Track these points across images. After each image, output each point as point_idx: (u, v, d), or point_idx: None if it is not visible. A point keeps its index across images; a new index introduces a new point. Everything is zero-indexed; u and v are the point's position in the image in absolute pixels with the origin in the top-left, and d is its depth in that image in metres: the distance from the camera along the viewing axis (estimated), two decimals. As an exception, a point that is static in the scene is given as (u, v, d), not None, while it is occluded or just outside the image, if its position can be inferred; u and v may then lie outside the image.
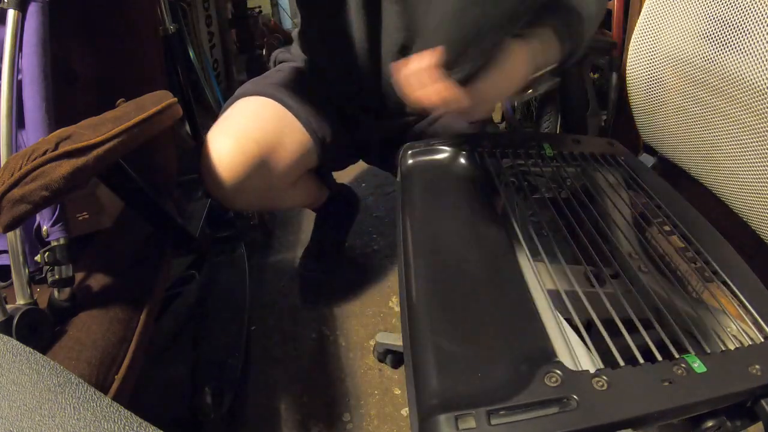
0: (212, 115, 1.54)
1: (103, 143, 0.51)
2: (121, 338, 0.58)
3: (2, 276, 0.62)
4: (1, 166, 0.50)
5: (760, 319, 0.45)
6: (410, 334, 0.46)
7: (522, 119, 1.60)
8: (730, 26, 0.55)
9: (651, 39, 0.68)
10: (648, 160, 0.76)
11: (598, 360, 0.42)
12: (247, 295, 1.13)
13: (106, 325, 0.58)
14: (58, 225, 0.58)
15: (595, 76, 1.59)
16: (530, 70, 0.59)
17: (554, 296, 0.47)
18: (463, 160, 0.67)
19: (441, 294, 0.48)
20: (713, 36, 0.57)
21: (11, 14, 0.59)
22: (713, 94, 0.58)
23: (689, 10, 0.62)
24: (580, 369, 0.39)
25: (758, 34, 0.52)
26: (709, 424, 0.40)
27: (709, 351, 0.42)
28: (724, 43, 0.56)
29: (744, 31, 0.53)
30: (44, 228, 0.57)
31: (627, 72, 0.73)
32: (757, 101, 0.52)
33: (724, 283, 0.49)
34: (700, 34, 0.60)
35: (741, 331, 0.45)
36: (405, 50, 0.77)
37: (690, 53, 0.61)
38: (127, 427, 0.30)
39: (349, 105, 0.88)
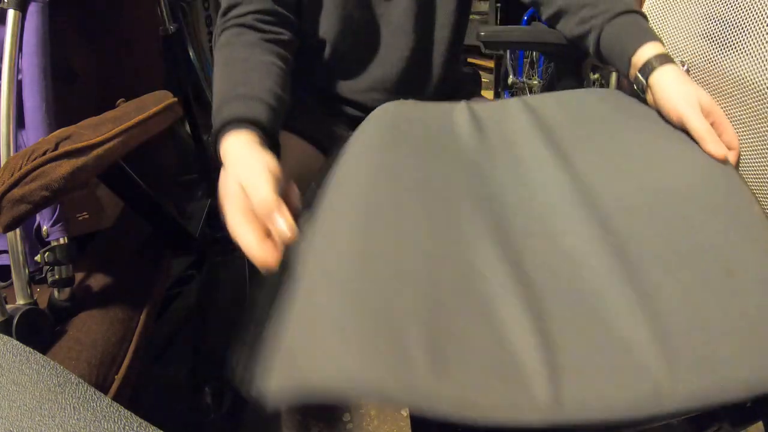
0: (212, 115, 1.54)
1: (103, 143, 0.51)
2: (121, 338, 0.58)
3: (2, 276, 0.62)
4: (1, 166, 0.50)
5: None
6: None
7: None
8: (730, 26, 0.55)
9: None
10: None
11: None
12: (248, 295, 1.13)
13: (106, 325, 0.58)
14: (58, 225, 0.58)
15: (595, 76, 1.59)
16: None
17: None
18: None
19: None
20: (714, 36, 0.57)
21: (11, 14, 0.59)
22: (714, 95, 0.58)
23: (689, 10, 0.62)
24: None
25: (759, 34, 0.52)
26: (714, 428, 0.39)
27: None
28: (724, 43, 0.56)
29: (745, 32, 0.53)
30: (44, 228, 0.57)
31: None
32: (758, 102, 0.52)
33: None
34: (701, 34, 0.60)
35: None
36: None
37: (690, 53, 0.61)
38: (127, 427, 0.30)
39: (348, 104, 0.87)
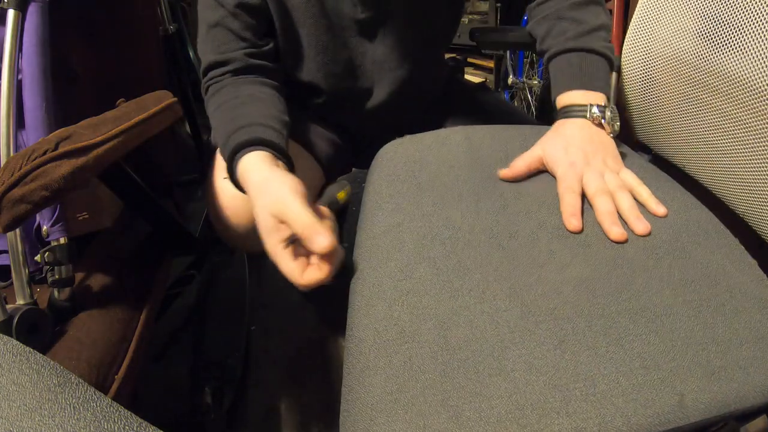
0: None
1: (103, 143, 0.51)
2: (121, 338, 0.58)
3: (2, 276, 0.62)
4: (1, 166, 0.50)
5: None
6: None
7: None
8: (725, 24, 0.55)
9: (645, 37, 0.68)
10: (642, 158, 0.76)
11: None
12: (247, 295, 1.14)
13: (106, 325, 0.58)
14: (58, 225, 0.58)
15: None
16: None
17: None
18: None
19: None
20: (708, 34, 0.57)
21: (11, 14, 0.59)
22: (709, 92, 0.58)
23: (684, 8, 0.62)
24: None
25: (754, 31, 0.52)
26: (720, 424, 0.40)
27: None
28: (719, 41, 0.56)
29: (739, 29, 0.53)
30: (44, 228, 0.57)
31: (622, 70, 0.73)
32: (753, 99, 0.52)
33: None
34: (695, 32, 0.60)
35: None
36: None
37: (685, 51, 0.61)
38: (127, 427, 0.30)
39: (342, 115, 0.87)
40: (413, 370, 0.40)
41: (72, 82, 0.78)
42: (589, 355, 0.40)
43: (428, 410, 0.37)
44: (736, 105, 0.55)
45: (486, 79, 2.23)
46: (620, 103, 0.76)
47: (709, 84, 0.58)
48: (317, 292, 0.69)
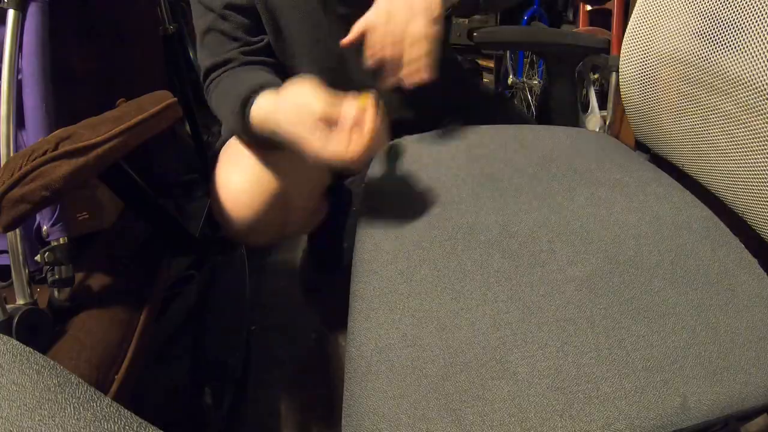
0: (212, 115, 1.54)
1: (103, 143, 0.51)
2: (121, 338, 0.58)
3: (2, 276, 0.62)
4: (1, 166, 0.50)
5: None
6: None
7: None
8: (723, 23, 0.55)
9: (644, 37, 0.68)
10: (641, 157, 0.76)
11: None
12: (247, 295, 1.13)
13: (106, 326, 0.58)
14: (58, 225, 0.58)
15: (595, 76, 1.59)
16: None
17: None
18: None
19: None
20: (707, 33, 0.57)
21: (11, 14, 0.59)
22: (708, 92, 0.58)
23: (682, 7, 0.62)
24: None
25: (752, 30, 0.52)
26: (722, 423, 0.40)
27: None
28: (718, 40, 0.56)
29: (738, 28, 0.53)
30: (44, 228, 0.57)
31: (620, 70, 0.73)
32: (752, 98, 0.52)
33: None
34: (694, 31, 0.60)
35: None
36: None
37: (684, 51, 0.61)
38: (127, 427, 0.30)
39: None
40: (415, 374, 0.40)
41: (72, 82, 0.78)
42: (592, 357, 0.40)
43: (431, 414, 0.37)
44: (734, 104, 0.55)
45: (486, 79, 2.23)
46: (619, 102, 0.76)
47: (708, 83, 0.58)
48: (318, 291, 0.69)
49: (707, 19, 0.57)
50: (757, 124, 0.52)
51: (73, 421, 0.29)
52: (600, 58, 1.36)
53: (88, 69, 0.80)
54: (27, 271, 0.56)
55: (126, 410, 0.31)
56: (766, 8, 0.50)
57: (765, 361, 0.40)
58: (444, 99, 0.91)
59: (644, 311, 0.44)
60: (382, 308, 0.46)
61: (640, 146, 0.76)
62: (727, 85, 0.55)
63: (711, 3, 0.57)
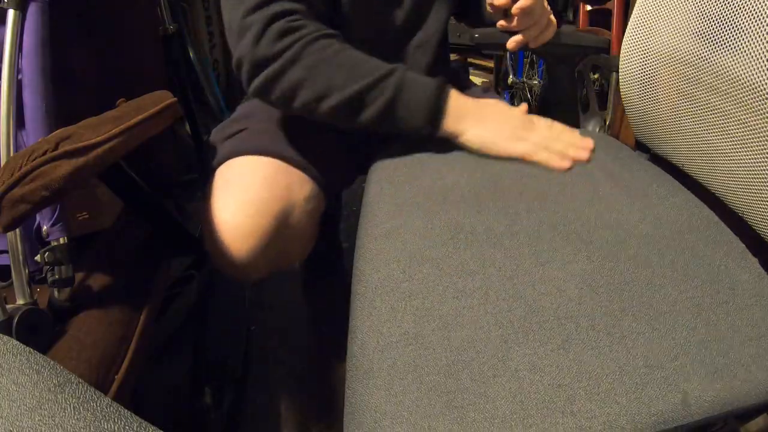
0: (212, 115, 1.54)
1: (103, 143, 0.51)
2: (121, 338, 0.58)
3: (2, 276, 0.62)
4: (1, 166, 0.50)
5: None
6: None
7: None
8: (722, 23, 0.55)
9: (644, 37, 0.68)
10: (642, 157, 0.76)
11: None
12: (247, 295, 1.14)
13: (106, 325, 0.58)
14: (58, 225, 0.58)
15: (595, 76, 1.59)
16: None
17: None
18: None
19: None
20: (706, 33, 0.57)
21: (11, 14, 0.59)
22: (707, 92, 0.58)
23: (682, 7, 0.62)
24: None
25: (751, 30, 0.52)
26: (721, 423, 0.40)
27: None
28: (717, 40, 0.56)
29: (737, 28, 0.53)
30: (44, 228, 0.57)
31: (620, 70, 0.73)
32: (752, 98, 0.52)
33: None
34: (694, 31, 0.60)
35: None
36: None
37: (683, 51, 0.61)
38: (127, 427, 0.30)
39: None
40: (417, 372, 0.40)
41: (72, 82, 0.78)
42: (593, 354, 0.40)
43: (433, 412, 0.37)
44: (734, 104, 0.55)
45: (486, 79, 2.23)
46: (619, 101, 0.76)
47: (707, 83, 0.58)
48: (317, 291, 0.69)
49: (707, 19, 0.58)
50: (757, 124, 0.52)
51: (73, 421, 0.29)
52: (600, 58, 1.36)
53: (88, 69, 0.80)
54: (27, 271, 0.56)
55: (126, 410, 0.31)
56: (765, 8, 0.50)
57: (765, 358, 0.40)
58: None
59: (645, 309, 0.44)
60: (383, 306, 0.46)
61: (640, 146, 0.77)
62: (726, 85, 0.55)
63: (710, 3, 0.57)
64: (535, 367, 0.40)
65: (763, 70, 0.50)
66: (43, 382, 0.32)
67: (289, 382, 0.99)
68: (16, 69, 0.59)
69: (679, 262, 0.49)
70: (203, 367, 0.95)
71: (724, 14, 0.55)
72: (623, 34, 0.72)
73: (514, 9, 0.71)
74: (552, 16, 0.77)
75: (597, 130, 1.37)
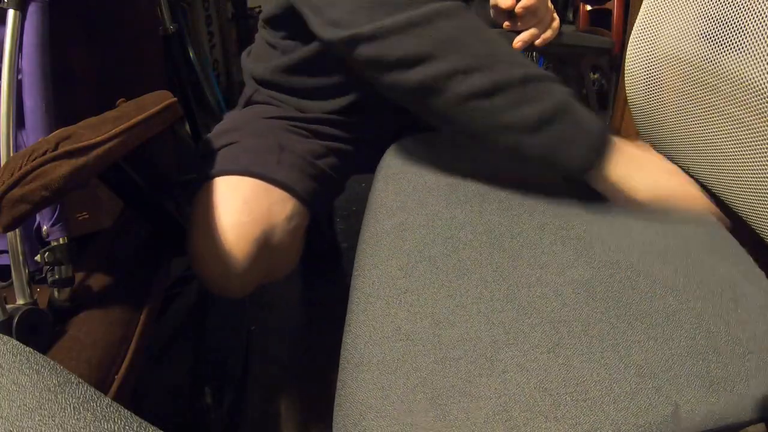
0: (212, 115, 1.54)
1: (103, 143, 0.51)
2: (121, 338, 0.58)
3: (2, 276, 0.62)
4: (1, 166, 0.50)
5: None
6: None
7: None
8: (728, 25, 0.55)
9: (649, 38, 0.68)
10: None
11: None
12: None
13: (106, 325, 0.58)
14: (58, 225, 0.58)
15: (595, 76, 1.59)
16: None
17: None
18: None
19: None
20: (712, 35, 0.57)
21: (11, 14, 0.59)
22: (712, 94, 0.58)
23: (687, 9, 0.62)
24: None
25: (757, 32, 0.52)
26: None
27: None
28: (722, 42, 0.56)
29: (742, 30, 0.53)
30: (44, 228, 0.57)
31: (626, 71, 0.73)
32: (756, 100, 0.52)
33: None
34: (699, 33, 0.60)
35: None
36: None
37: (688, 52, 0.61)
38: (127, 427, 0.30)
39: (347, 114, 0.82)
40: (405, 367, 0.40)
41: (72, 82, 0.78)
42: (583, 360, 0.40)
43: (417, 408, 0.37)
44: (738, 106, 0.55)
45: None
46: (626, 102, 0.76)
47: (712, 85, 0.58)
48: (315, 289, 0.68)
49: (712, 20, 0.57)
50: (760, 127, 0.52)
51: (73, 421, 0.29)
52: (601, 59, 1.36)
53: (88, 69, 0.80)
54: (27, 271, 0.56)
55: (126, 410, 0.31)
56: None
57: (765, 372, 0.39)
58: None
59: (642, 317, 0.43)
60: (378, 302, 0.46)
61: None
62: (731, 88, 0.55)
63: (715, 5, 0.57)
64: (522, 369, 0.39)
65: (767, 72, 0.50)
66: (43, 382, 0.32)
67: (289, 382, 0.99)
68: (16, 69, 0.59)
69: (681, 272, 0.48)
70: (203, 367, 0.95)
71: (729, 16, 0.55)
72: (623, 34, 0.73)
73: (518, 8, 0.71)
74: (555, 15, 0.77)
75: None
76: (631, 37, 0.71)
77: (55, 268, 0.56)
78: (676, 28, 0.64)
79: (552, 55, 0.93)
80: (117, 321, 0.59)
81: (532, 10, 0.72)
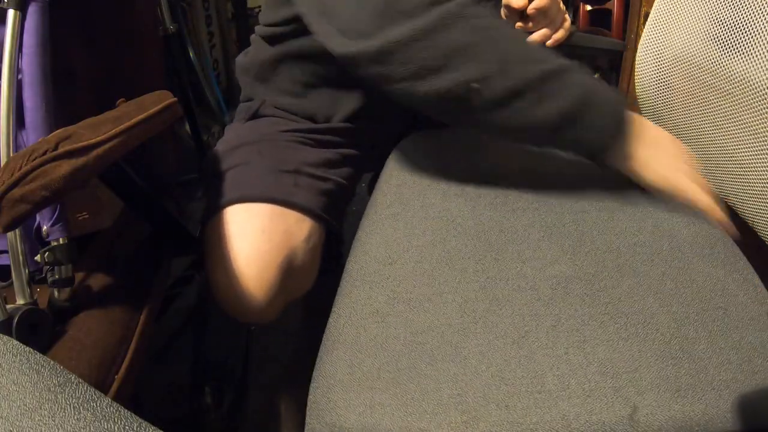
0: (212, 115, 1.54)
1: (103, 143, 0.51)
2: (121, 338, 0.58)
3: (2, 276, 0.62)
4: (1, 166, 0.50)
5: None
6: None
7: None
8: (737, 28, 0.55)
9: (659, 40, 0.68)
10: None
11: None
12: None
13: (106, 326, 0.58)
14: (58, 225, 0.58)
15: (595, 76, 1.59)
16: None
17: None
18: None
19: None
20: (721, 38, 0.57)
21: (11, 14, 0.59)
22: (720, 97, 0.58)
23: (697, 12, 0.61)
24: None
25: (766, 35, 0.51)
26: None
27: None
28: (731, 45, 0.56)
29: (753, 34, 0.53)
30: (44, 228, 0.57)
31: (636, 73, 0.73)
32: (763, 104, 0.51)
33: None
34: (708, 36, 0.59)
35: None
36: None
37: (698, 55, 0.61)
38: (127, 427, 0.30)
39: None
40: (375, 347, 0.42)
41: (72, 82, 0.78)
42: (546, 354, 0.40)
43: (379, 385, 0.39)
44: (745, 110, 0.54)
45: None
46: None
47: (720, 88, 0.57)
48: (315, 288, 0.68)
49: (721, 23, 0.57)
50: (767, 131, 0.51)
51: (73, 421, 0.29)
52: (601, 59, 1.36)
53: (88, 69, 0.80)
54: (27, 271, 0.56)
55: (126, 410, 0.31)
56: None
57: (742, 383, 0.38)
58: None
59: (618, 317, 0.43)
60: (363, 287, 0.49)
61: None
62: (739, 91, 0.54)
63: (725, 8, 0.57)
64: (483, 358, 0.40)
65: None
66: (43, 382, 0.32)
67: (289, 382, 0.99)
68: (16, 69, 0.59)
69: (669, 276, 0.47)
70: (203, 367, 0.95)
71: (738, 18, 0.55)
72: (623, 35, 0.73)
73: (530, 9, 0.71)
74: (567, 16, 0.77)
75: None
76: (642, 39, 0.71)
77: (55, 268, 0.56)
78: (685, 31, 0.63)
79: (568, 56, 0.93)
80: (117, 321, 0.59)
81: (544, 11, 0.73)
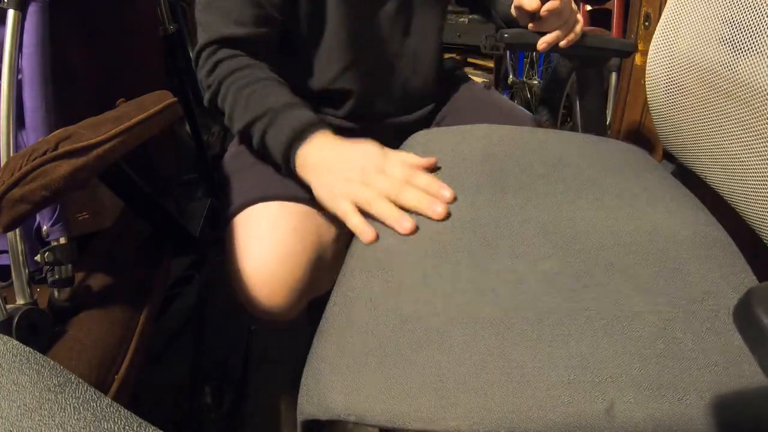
0: (212, 115, 1.54)
1: (103, 143, 0.51)
2: (121, 338, 0.58)
3: (2, 276, 0.62)
4: (1, 166, 0.50)
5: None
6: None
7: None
8: (748, 31, 0.54)
9: (670, 42, 0.67)
10: (668, 167, 0.74)
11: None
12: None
13: (106, 326, 0.58)
14: (58, 225, 0.58)
15: (611, 75, 1.59)
16: None
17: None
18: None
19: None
20: (732, 41, 0.56)
21: (11, 14, 0.59)
22: (729, 100, 0.57)
23: (708, 14, 0.61)
24: None
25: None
26: None
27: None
28: (741, 48, 0.55)
29: (760, 34, 0.52)
30: (44, 228, 0.57)
31: (646, 75, 0.73)
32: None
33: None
34: (719, 38, 0.58)
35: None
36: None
37: (708, 58, 0.60)
38: (127, 427, 0.30)
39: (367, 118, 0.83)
40: (365, 332, 0.43)
41: (72, 82, 0.78)
42: (528, 346, 0.40)
43: (366, 369, 0.40)
44: (751, 113, 0.53)
45: (486, 79, 2.23)
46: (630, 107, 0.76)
47: (728, 91, 0.57)
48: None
49: (732, 25, 0.56)
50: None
51: (73, 421, 0.29)
52: (613, 60, 1.35)
53: (88, 69, 0.80)
54: (27, 271, 0.56)
55: (126, 410, 0.31)
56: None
57: (726, 387, 0.37)
58: (441, 94, 0.91)
59: (604, 315, 0.43)
60: (360, 276, 0.50)
61: (668, 156, 0.76)
62: (747, 94, 0.54)
63: (737, 10, 0.56)
64: (467, 346, 0.40)
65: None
66: (43, 382, 0.32)
67: (289, 382, 0.99)
68: (16, 69, 0.59)
69: (661, 276, 0.47)
70: (203, 367, 0.95)
71: (749, 21, 0.54)
72: (623, 35, 0.72)
73: (543, 11, 0.72)
74: (579, 17, 0.77)
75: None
76: (653, 41, 0.71)
77: (55, 268, 0.56)
78: (696, 33, 0.63)
79: (575, 57, 0.93)
80: (117, 321, 0.59)
81: (556, 12, 0.73)
